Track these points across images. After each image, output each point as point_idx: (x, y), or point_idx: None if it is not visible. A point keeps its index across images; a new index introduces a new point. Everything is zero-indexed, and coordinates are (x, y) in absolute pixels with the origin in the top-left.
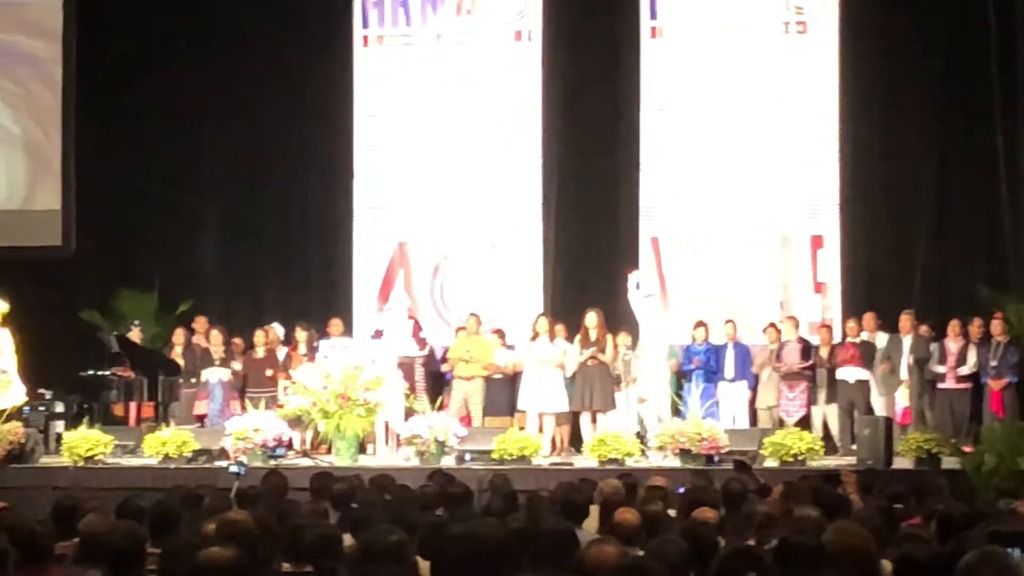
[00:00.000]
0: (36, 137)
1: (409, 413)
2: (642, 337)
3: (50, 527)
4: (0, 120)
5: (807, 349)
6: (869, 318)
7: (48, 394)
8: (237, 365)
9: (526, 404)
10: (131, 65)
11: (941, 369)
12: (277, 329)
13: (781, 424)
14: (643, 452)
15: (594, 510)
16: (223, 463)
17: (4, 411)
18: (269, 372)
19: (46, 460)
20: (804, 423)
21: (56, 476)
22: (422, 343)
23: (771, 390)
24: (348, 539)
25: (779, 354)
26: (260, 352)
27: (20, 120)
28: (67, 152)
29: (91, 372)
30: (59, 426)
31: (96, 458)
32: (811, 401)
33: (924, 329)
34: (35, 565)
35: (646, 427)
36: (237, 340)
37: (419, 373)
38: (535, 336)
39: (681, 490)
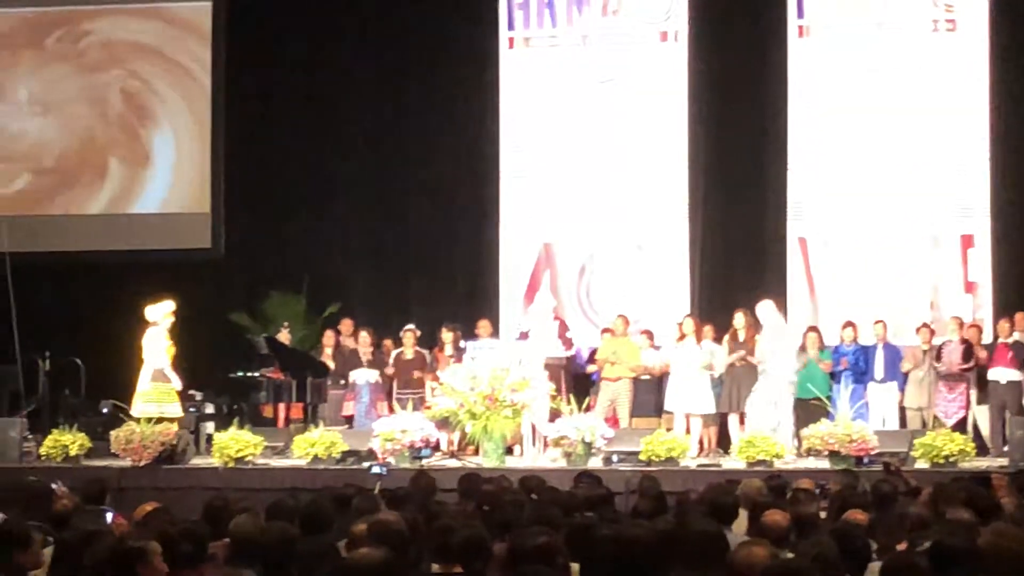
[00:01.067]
0: (186, 140)
1: (556, 414)
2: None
3: (202, 527)
4: (151, 123)
5: (969, 350)
6: (1021, 318)
7: (198, 395)
8: (388, 368)
9: (673, 405)
10: (279, 68)
11: None
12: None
13: (935, 425)
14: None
15: (743, 511)
16: (368, 464)
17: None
18: (416, 373)
19: (197, 461)
20: (962, 425)
21: (207, 477)
22: (568, 344)
23: (922, 391)
24: (497, 541)
25: (939, 354)
26: (408, 353)
27: (170, 123)
28: (216, 154)
29: (240, 374)
30: (209, 427)
31: (246, 459)
32: (969, 402)
33: None
34: (188, 566)
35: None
36: (387, 342)
37: (566, 374)
38: (682, 337)
39: (817, 491)
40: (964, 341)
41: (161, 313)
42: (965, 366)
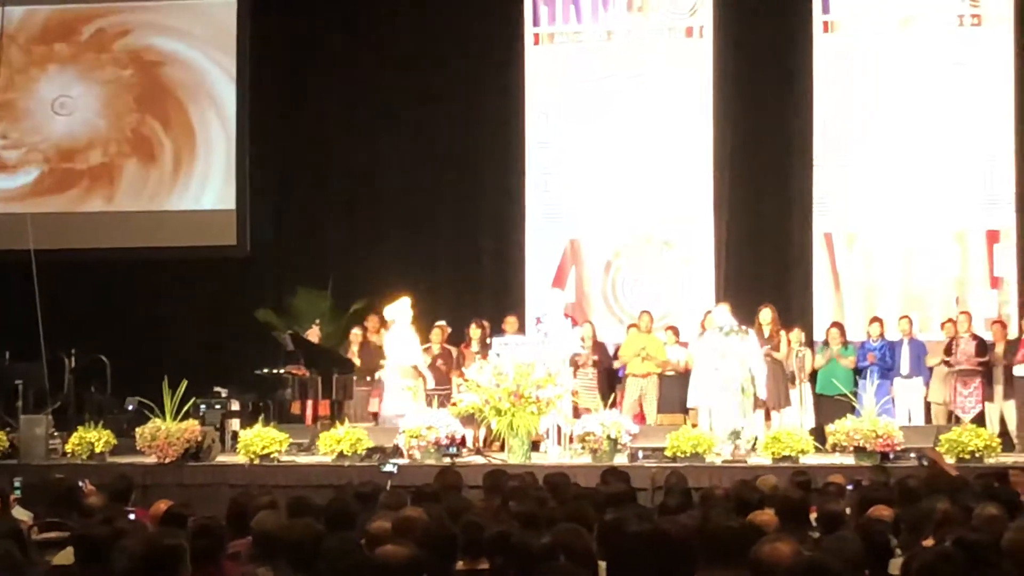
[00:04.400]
0: (212, 137)
1: (583, 411)
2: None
3: (218, 523)
4: (177, 120)
5: (982, 345)
6: None
7: (224, 392)
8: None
9: (697, 401)
10: (306, 65)
11: None
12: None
13: (955, 420)
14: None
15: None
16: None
17: None
18: (442, 367)
19: (222, 458)
20: (980, 419)
21: (232, 474)
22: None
23: (946, 386)
24: (521, 537)
25: (950, 349)
26: (435, 349)
27: (196, 120)
28: (242, 152)
29: (266, 370)
30: (235, 424)
31: (271, 456)
32: (986, 397)
33: None
34: (209, 562)
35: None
36: None
37: (586, 372)
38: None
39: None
40: (976, 337)
41: (399, 310)
42: (982, 360)
